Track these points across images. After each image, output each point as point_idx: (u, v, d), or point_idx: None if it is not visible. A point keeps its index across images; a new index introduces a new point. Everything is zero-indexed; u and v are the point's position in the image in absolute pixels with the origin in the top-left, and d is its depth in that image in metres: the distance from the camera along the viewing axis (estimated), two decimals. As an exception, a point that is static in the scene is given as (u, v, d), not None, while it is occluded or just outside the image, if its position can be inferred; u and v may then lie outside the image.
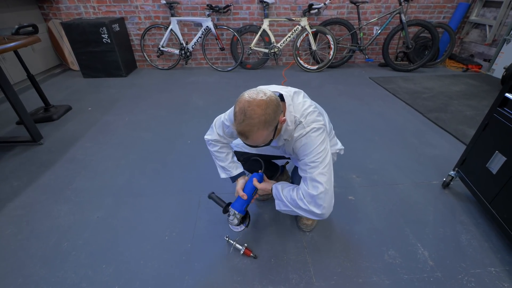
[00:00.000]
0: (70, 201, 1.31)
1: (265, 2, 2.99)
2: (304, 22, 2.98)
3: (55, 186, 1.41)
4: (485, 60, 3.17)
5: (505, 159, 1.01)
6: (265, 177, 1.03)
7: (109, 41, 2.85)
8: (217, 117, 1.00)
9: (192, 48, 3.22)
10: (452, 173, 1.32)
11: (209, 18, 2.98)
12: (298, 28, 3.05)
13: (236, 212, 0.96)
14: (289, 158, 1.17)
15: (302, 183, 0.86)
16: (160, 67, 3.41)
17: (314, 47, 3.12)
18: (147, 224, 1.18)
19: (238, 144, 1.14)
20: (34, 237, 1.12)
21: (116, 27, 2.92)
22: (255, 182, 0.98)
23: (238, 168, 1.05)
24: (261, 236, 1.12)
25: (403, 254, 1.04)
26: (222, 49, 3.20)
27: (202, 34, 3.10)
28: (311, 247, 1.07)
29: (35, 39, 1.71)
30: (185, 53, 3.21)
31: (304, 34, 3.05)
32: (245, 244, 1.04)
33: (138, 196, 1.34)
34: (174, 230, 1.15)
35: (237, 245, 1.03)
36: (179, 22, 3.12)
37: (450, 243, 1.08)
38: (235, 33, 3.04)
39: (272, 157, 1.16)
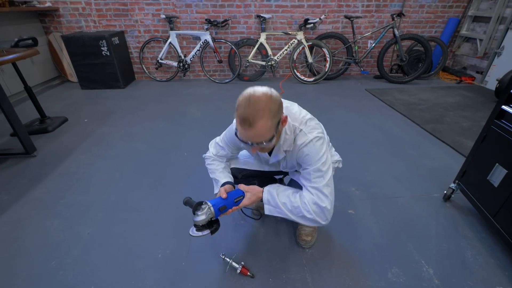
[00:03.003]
0: (61, 216, 1.26)
1: (262, 17, 3.08)
2: (300, 36, 3.06)
3: (45, 200, 1.36)
4: (477, 72, 3.25)
5: (506, 171, 1.00)
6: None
7: (108, 54, 2.89)
8: (212, 140, 1.04)
9: (191, 60, 3.26)
10: (452, 185, 1.30)
11: (208, 32, 3.05)
12: (294, 41, 3.12)
13: (210, 206, 0.80)
14: (286, 173, 1.15)
15: (305, 191, 0.83)
16: (158, 79, 3.44)
17: (310, 59, 3.18)
18: (140, 241, 1.13)
19: (239, 158, 1.11)
20: (19, 255, 1.06)
21: (115, 40, 2.97)
22: (242, 186, 0.89)
23: (226, 178, 0.98)
24: (259, 254, 1.07)
25: (407, 272, 0.99)
26: (220, 61, 3.25)
27: (200, 47, 3.16)
28: (311, 265, 1.03)
29: (33, 51, 1.72)
30: (183, 65, 3.25)
31: (301, 48, 3.12)
32: (242, 263, 0.99)
33: (131, 211, 1.29)
34: (167, 248, 1.10)
35: (234, 264, 0.98)
36: (178, 35, 3.19)
37: (455, 259, 1.04)
38: (233, 46, 3.10)
39: (270, 173, 1.14)
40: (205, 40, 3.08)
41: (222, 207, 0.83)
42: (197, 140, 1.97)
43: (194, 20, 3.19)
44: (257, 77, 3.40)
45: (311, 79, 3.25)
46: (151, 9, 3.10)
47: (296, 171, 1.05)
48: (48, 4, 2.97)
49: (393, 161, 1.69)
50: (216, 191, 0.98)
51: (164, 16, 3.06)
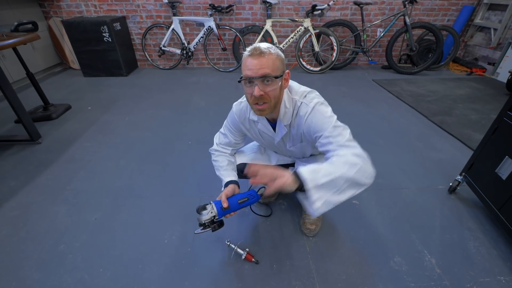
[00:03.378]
0: (68, 202, 1.28)
1: (268, 2, 2.97)
2: (307, 23, 2.96)
3: (52, 186, 1.38)
4: (489, 63, 3.14)
5: (516, 164, 0.98)
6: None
7: (110, 40, 2.83)
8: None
9: (194, 48, 3.19)
10: (459, 178, 1.29)
11: (212, 18, 2.96)
12: (301, 29, 3.02)
13: (213, 205, 0.83)
14: (293, 165, 1.14)
15: (336, 151, 0.73)
16: (161, 66, 3.39)
17: (317, 48, 3.10)
18: (146, 227, 1.15)
19: (246, 153, 1.10)
20: (30, 239, 1.09)
21: (117, 26, 2.90)
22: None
23: (230, 176, 0.96)
24: (263, 242, 1.09)
25: (409, 261, 1.01)
26: (224, 49, 3.17)
27: (204, 34, 3.08)
28: (314, 253, 1.04)
29: (34, 36, 1.69)
30: (187, 53, 3.18)
31: (307, 35, 3.02)
32: (247, 249, 1.01)
33: (137, 198, 1.31)
34: (174, 233, 1.12)
35: (239, 250, 1.00)
36: (181, 21, 3.11)
37: (457, 250, 1.05)
38: (238, 34, 3.02)
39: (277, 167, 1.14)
40: (209, 26, 3.00)
41: (224, 209, 0.85)
42: (201, 129, 1.96)
43: (197, 5, 3.09)
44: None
45: (317, 69, 3.18)
46: (153, -7, 3.01)
47: (303, 157, 1.04)
48: (47, -13, 2.89)
49: (399, 153, 1.67)
50: (223, 189, 0.95)
51: (166, 1, 2.97)
